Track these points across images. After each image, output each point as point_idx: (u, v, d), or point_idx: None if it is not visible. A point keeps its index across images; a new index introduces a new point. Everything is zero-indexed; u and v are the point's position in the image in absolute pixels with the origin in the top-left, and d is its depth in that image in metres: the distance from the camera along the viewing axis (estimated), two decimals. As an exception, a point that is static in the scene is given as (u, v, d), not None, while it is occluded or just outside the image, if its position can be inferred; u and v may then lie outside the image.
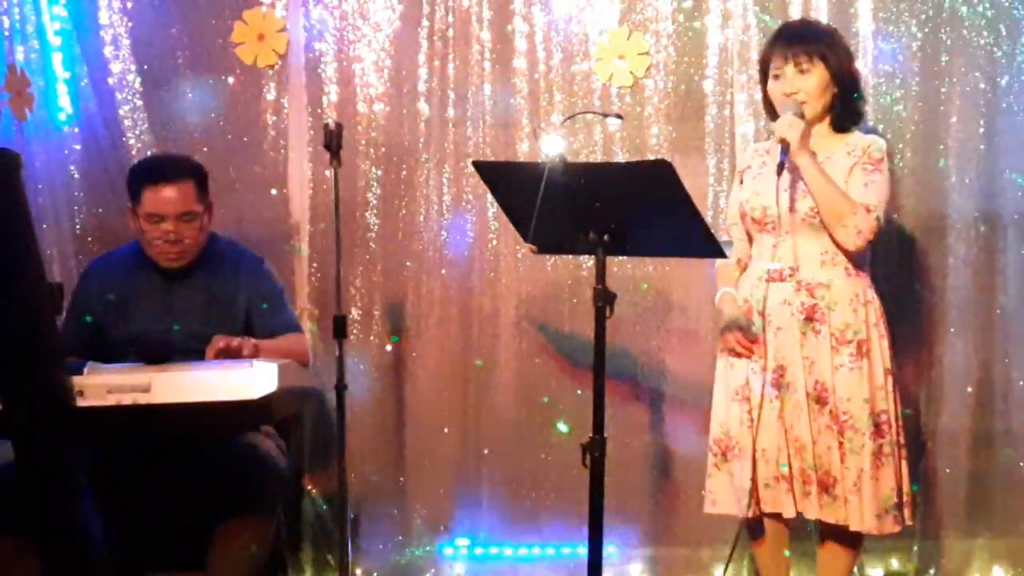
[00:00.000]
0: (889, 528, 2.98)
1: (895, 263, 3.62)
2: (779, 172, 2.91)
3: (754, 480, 3.02)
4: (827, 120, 3.07)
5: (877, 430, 2.96)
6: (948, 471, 3.68)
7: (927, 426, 3.68)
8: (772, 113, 3.09)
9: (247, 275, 3.33)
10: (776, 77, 3.04)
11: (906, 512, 3.04)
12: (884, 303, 3.09)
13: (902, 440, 3.05)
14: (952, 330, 3.67)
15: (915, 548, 3.67)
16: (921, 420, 3.67)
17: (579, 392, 3.72)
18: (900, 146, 3.63)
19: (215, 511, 2.96)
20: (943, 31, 3.63)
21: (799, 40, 3.03)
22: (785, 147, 2.90)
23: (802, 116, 2.95)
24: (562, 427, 3.69)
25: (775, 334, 3.03)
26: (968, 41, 3.62)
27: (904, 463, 3.04)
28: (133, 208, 3.23)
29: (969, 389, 3.67)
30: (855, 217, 2.92)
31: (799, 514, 3.02)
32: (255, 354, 2.99)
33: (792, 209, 2.99)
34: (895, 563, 3.69)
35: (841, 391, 2.96)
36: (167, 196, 3.16)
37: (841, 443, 2.95)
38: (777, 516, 3.08)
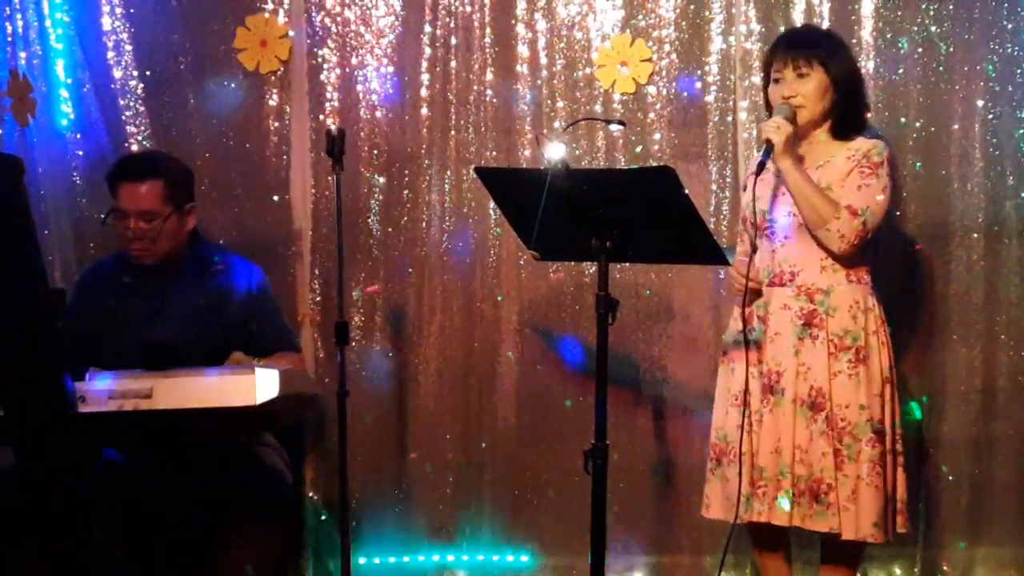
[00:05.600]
0: (882, 537, 2.97)
1: (898, 269, 3.61)
2: (757, 172, 2.91)
3: (750, 485, 3.01)
4: (827, 126, 3.07)
5: (874, 437, 2.95)
6: (951, 478, 3.67)
7: (930, 433, 3.67)
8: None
9: (241, 284, 3.31)
10: (776, 81, 3.04)
11: (899, 520, 3.02)
12: (887, 310, 3.08)
13: (899, 448, 3.04)
14: (955, 336, 3.66)
15: (918, 556, 3.65)
16: (924, 427, 3.66)
17: (581, 399, 3.72)
18: (902, 153, 3.62)
19: (221, 520, 2.96)
20: (945, 38, 3.63)
21: (799, 44, 3.04)
22: (768, 149, 2.90)
23: (793, 120, 2.95)
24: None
25: (772, 339, 3.02)
26: (969, 47, 3.62)
27: (900, 471, 3.03)
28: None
29: (972, 396, 3.66)
30: (838, 221, 2.91)
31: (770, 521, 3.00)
32: None
33: (790, 214, 2.99)
34: (898, 571, 3.68)
35: (839, 398, 2.95)
36: (131, 193, 3.16)
37: (838, 450, 2.94)
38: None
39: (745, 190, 3.19)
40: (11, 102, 3.78)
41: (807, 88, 3.00)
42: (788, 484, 2.95)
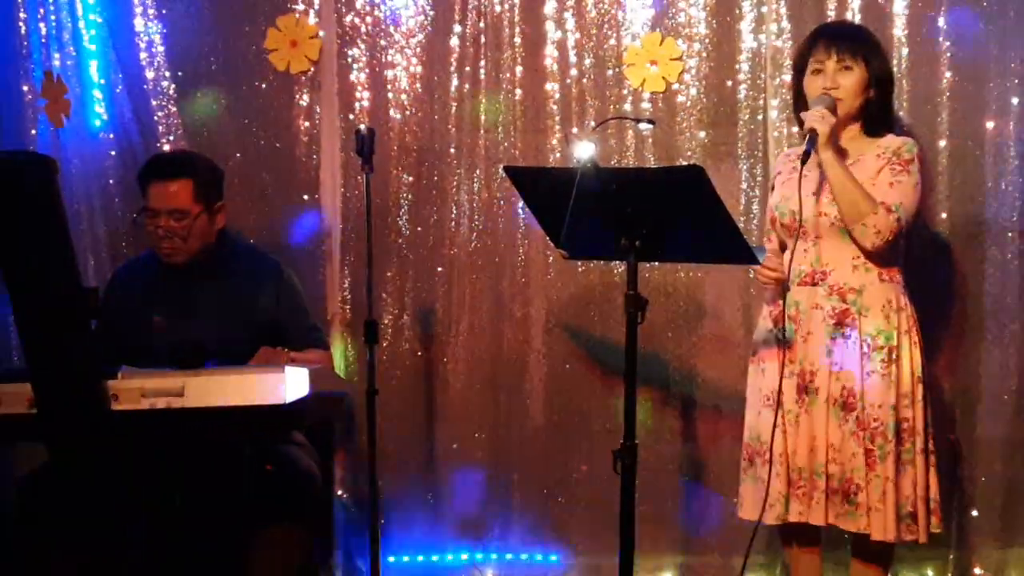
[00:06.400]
0: (907, 536, 2.94)
1: (931, 268, 3.58)
2: (803, 161, 2.87)
3: (788, 485, 3.00)
4: (859, 123, 3.05)
5: (899, 437, 2.93)
6: (984, 479, 3.64)
7: (963, 434, 3.64)
8: (802, 108, 3.05)
9: (268, 281, 3.32)
10: (816, 71, 3.02)
11: (934, 520, 3.00)
12: (919, 309, 3.06)
13: (932, 448, 3.01)
14: (989, 337, 3.63)
15: (951, 557, 3.62)
16: (957, 428, 3.63)
17: (610, 398, 3.71)
18: (936, 151, 3.59)
19: (251, 519, 2.97)
20: (977, 35, 3.59)
21: (845, 37, 3.03)
22: (813, 138, 2.88)
23: (834, 111, 2.93)
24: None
25: (804, 339, 3.01)
26: (1002, 44, 3.58)
27: (932, 471, 3.00)
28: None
29: (1005, 397, 3.62)
30: (874, 216, 2.89)
31: (807, 521, 2.99)
32: None
33: (821, 213, 2.97)
34: (930, 572, 3.65)
35: (871, 397, 2.93)
36: (161, 192, 3.18)
37: (870, 450, 2.92)
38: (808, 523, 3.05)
39: (773, 190, 3.18)
40: (45, 103, 3.83)
41: (849, 81, 2.98)
42: (823, 484, 2.94)
